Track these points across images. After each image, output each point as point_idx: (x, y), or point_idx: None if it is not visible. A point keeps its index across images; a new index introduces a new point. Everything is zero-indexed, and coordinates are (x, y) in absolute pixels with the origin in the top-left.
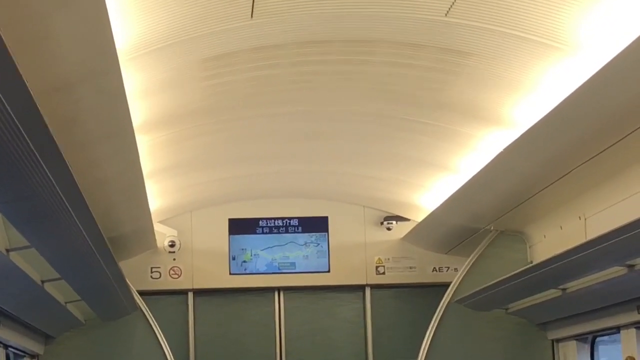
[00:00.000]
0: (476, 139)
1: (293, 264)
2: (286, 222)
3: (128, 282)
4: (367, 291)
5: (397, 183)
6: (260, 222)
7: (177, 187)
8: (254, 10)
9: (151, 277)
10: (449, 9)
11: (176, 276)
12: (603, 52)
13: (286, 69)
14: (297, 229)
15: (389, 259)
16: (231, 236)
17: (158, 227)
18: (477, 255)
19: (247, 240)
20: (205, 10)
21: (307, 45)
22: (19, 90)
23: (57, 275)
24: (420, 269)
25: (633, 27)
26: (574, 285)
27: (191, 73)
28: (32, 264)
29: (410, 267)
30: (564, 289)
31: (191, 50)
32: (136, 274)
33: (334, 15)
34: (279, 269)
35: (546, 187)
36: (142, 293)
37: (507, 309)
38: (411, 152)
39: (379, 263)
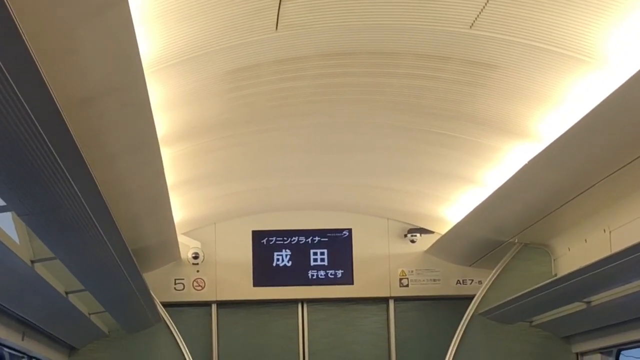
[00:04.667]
0: (502, 152)
1: (316, 276)
2: (310, 234)
3: (152, 293)
4: (391, 303)
5: (421, 196)
6: (284, 233)
7: (201, 199)
8: (278, 22)
9: (175, 288)
10: (474, 21)
11: (200, 288)
12: (630, 66)
13: (310, 81)
14: (321, 240)
15: (412, 272)
16: (255, 248)
17: (182, 239)
18: (501, 268)
19: (271, 252)
20: (230, 22)
21: (331, 58)
22: (46, 103)
23: (82, 287)
24: (444, 281)
25: None
26: (598, 298)
27: (215, 85)
28: (56, 276)
29: (434, 280)
30: (588, 302)
31: (215, 62)
32: (160, 285)
33: (358, 27)
34: (302, 281)
35: (571, 199)
36: (165, 305)
37: (531, 322)
38: (436, 164)
39: (403, 275)
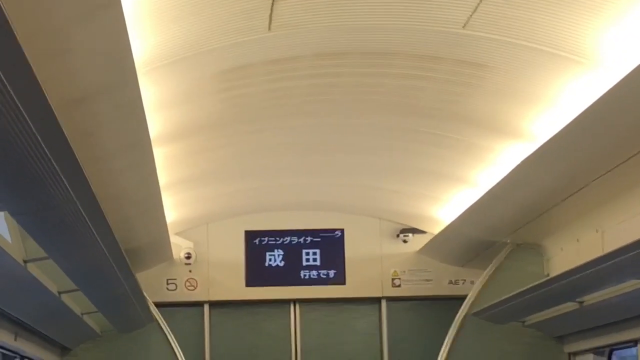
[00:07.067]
0: (495, 152)
1: (309, 276)
2: (302, 234)
3: (144, 293)
4: (383, 304)
5: (414, 196)
6: (277, 234)
7: (193, 199)
8: (271, 22)
9: (167, 288)
10: (467, 21)
11: (192, 288)
12: (623, 66)
13: (303, 81)
14: (313, 241)
15: (405, 272)
16: (247, 248)
17: (174, 239)
18: (493, 268)
19: (263, 252)
20: (222, 23)
21: (324, 58)
22: (39, 103)
23: (74, 287)
24: (437, 281)
25: None
26: (591, 298)
27: (207, 86)
28: (49, 275)
29: (427, 280)
30: (581, 302)
31: (207, 62)
32: (152, 285)
33: (351, 27)
34: (294, 281)
35: (563, 200)
36: (158, 305)
37: (523, 322)
38: (428, 164)
39: (395, 275)
